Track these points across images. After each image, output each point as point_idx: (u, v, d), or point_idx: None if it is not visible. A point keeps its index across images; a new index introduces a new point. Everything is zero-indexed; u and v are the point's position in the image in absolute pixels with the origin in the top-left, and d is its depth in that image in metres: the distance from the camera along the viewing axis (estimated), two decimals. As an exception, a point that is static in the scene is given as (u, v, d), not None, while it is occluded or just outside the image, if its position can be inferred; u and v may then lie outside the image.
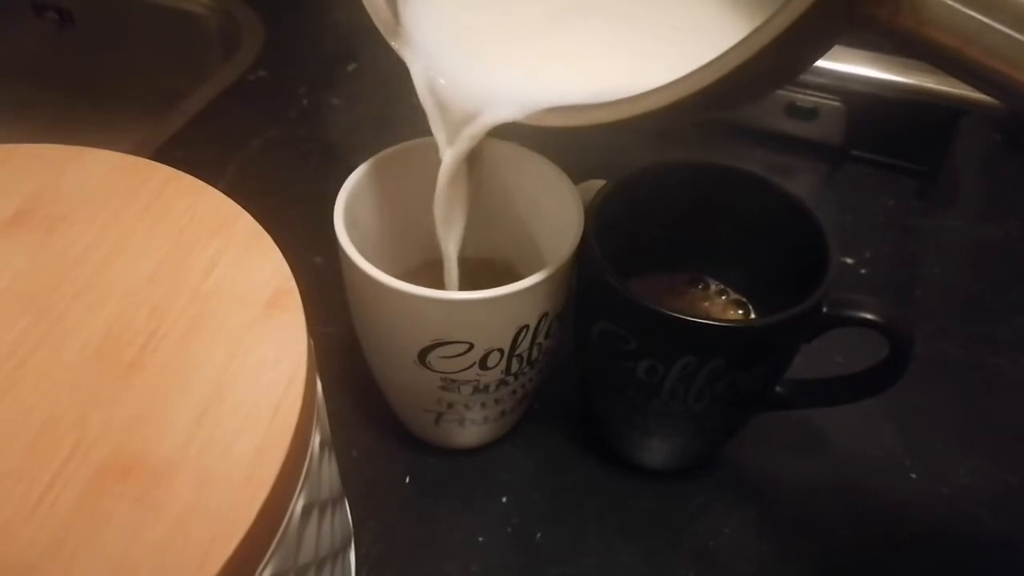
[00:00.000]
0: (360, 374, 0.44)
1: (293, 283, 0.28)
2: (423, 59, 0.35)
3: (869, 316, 0.36)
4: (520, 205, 0.43)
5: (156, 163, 0.32)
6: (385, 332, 0.38)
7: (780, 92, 0.63)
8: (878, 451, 0.46)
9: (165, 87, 0.77)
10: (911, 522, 0.43)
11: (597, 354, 0.39)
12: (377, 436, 0.45)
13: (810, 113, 0.62)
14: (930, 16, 0.25)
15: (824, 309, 0.36)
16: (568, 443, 0.45)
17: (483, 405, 0.40)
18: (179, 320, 0.27)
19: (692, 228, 0.43)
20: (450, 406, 0.40)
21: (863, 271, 0.56)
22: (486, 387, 0.39)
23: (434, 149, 0.39)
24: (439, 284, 0.43)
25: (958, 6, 0.24)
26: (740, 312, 0.43)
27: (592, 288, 0.38)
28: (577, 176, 0.40)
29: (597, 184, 0.40)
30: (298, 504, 0.25)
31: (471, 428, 0.42)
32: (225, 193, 0.31)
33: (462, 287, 0.41)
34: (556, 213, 0.40)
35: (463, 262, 0.41)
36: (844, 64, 0.59)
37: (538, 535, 0.41)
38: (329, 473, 0.31)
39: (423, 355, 0.37)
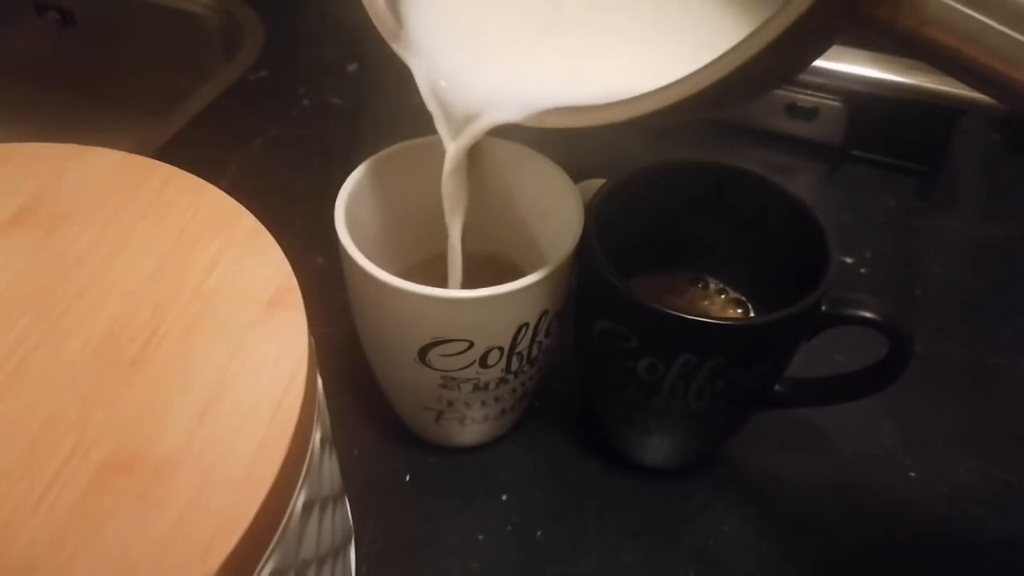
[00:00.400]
0: (361, 373, 0.44)
1: (294, 281, 0.28)
2: (425, 62, 0.36)
3: (868, 315, 0.36)
4: (521, 204, 0.43)
5: (157, 162, 0.32)
6: (385, 330, 0.38)
7: (780, 92, 0.63)
8: (878, 450, 0.46)
9: (166, 87, 0.77)
10: (911, 521, 0.43)
11: (597, 352, 0.39)
12: (378, 435, 0.45)
13: (810, 113, 0.62)
14: (930, 16, 0.25)
15: (823, 308, 0.36)
16: (568, 441, 0.45)
17: (483, 403, 0.40)
18: (180, 319, 0.27)
19: (692, 227, 0.43)
20: (450, 404, 0.40)
21: (863, 271, 0.56)
22: (486, 385, 0.39)
23: (434, 148, 0.40)
24: (439, 281, 0.43)
25: (958, 5, 0.24)
26: (739, 311, 0.44)
27: (592, 286, 0.38)
28: (577, 175, 0.41)
29: (597, 183, 0.40)
30: (299, 501, 0.25)
31: (471, 426, 0.42)
32: (226, 193, 0.31)
33: (465, 281, 0.41)
34: (557, 212, 0.40)
35: (465, 257, 0.41)
36: (844, 64, 0.59)
37: (538, 533, 0.41)
38: (330, 470, 0.31)
39: (423, 353, 0.37)
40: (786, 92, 0.62)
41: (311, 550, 0.27)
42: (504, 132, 0.38)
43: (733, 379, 0.36)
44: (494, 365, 0.38)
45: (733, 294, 0.44)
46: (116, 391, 0.25)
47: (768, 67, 0.28)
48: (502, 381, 0.39)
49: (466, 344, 0.36)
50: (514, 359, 0.38)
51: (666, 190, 0.41)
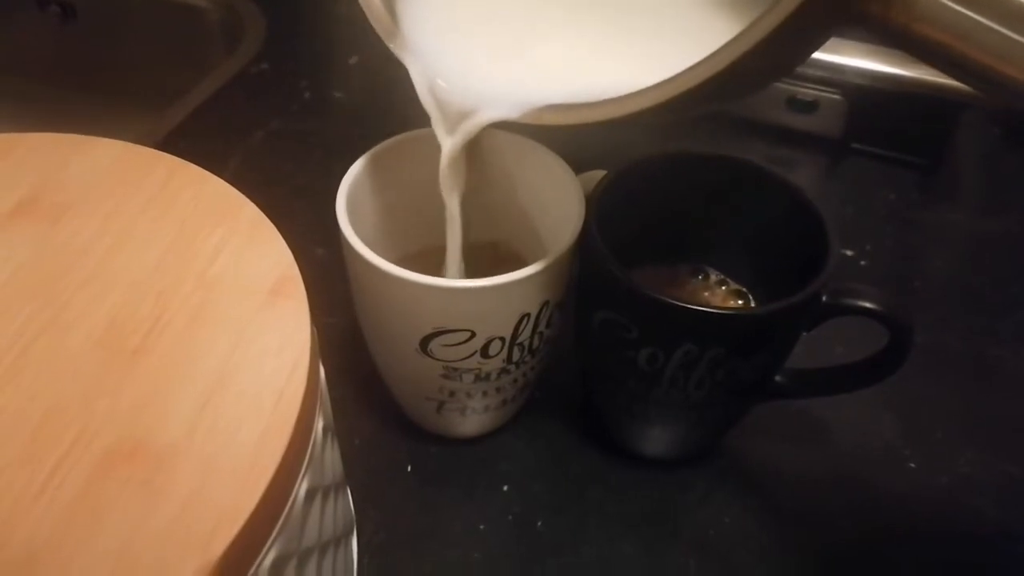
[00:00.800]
0: (362, 364, 0.44)
1: (296, 271, 0.28)
2: (421, 60, 0.36)
3: (869, 305, 0.36)
4: (523, 195, 0.43)
5: (160, 152, 0.32)
6: (387, 320, 0.38)
7: (781, 85, 0.63)
8: (878, 441, 0.46)
9: (167, 80, 0.77)
10: (911, 512, 0.44)
11: (598, 343, 0.39)
12: (379, 425, 0.45)
13: (811, 106, 0.63)
14: (920, 12, 0.25)
15: (824, 298, 0.36)
16: (569, 432, 0.45)
17: (484, 394, 0.40)
18: (183, 308, 0.27)
19: (693, 218, 0.43)
20: (452, 394, 0.40)
21: (863, 263, 0.56)
22: (487, 375, 0.39)
23: (434, 140, 0.40)
24: (440, 270, 0.43)
25: (948, 2, 0.24)
26: (740, 302, 0.44)
27: (593, 277, 0.38)
28: (579, 167, 0.41)
29: (598, 175, 0.40)
30: (301, 489, 0.25)
31: (472, 417, 0.42)
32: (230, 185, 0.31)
33: (467, 270, 0.41)
34: (558, 203, 0.40)
35: (468, 246, 0.41)
36: (844, 57, 0.60)
37: (539, 524, 0.42)
38: (332, 459, 0.31)
39: (425, 343, 0.37)
40: (786, 85, 0.63)
41: (313, 539, 0.28)
42: (506, 124, 0.39)
43: (733, 369, 0.37)
44: (495, 355, 0.38)
45: (734, 285, 0.44)
46: (119, 380, 0.25)
47: (762, 63, 0.28)
48: (503, 372, 0.39)
49: (467, 334, 0.36)
50: (515, 349, 0.38)
51: (667, 181, 0.41)
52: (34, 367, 0.25)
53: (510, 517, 0.42)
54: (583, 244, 0.37)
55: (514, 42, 0.37)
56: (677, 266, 0.45)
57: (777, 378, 0.41)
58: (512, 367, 0.39)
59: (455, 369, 0.38)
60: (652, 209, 0.41)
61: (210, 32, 0.78)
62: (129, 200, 0.30)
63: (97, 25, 0.82)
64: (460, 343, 0.37)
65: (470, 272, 0.42)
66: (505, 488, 0.43)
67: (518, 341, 0.38)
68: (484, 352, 0.37)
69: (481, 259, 0.44)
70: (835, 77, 0.61)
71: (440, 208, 0.41)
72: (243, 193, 0.31)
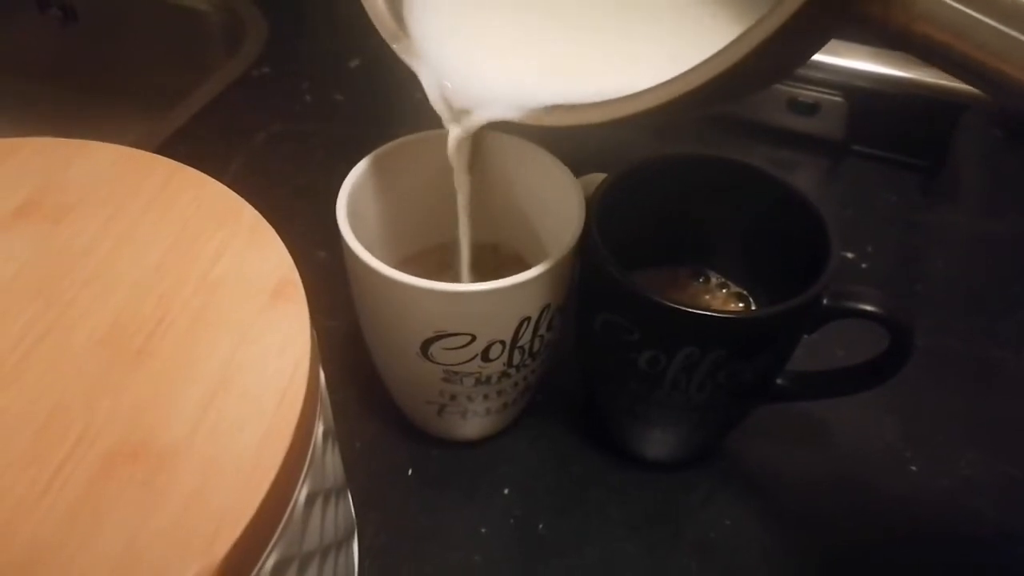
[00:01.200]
0: (363, 367, 0.44)
1: (296, 274, 0.28)
2: (428, 63, 0.36)
3: (870, 307, 0.36)
4: (523, 197, 0.43)
5: (161, 156, 0.33)
6: (388, 324, 0.38)
7: (781, 87, 0.63)
8: (879, 444, 0.46)
9: (169, 83, 0.78)
10: (912, 514, 0.44)
11: (600, 345, 0.39)
12: (380, 428, 0.45)
13: (812, 108, 0.62)
14: (920, 12, 0.25)
15: (825, 301, 0.36)
16: (570, 435, 0.45)
17: (485, 397, 0.40)
18: (185, 309, 0.27)
19: (693, 221, 0.43)
20: (452, 398, 0.40)
21: (864, 265, 0.56)
22: (488, 379, 0.39)
23: (434, 143, 0.40)
24: (438, 270, 0.44)
25: (947, 1, 0.24)
26: (741, 305, 0.44)
27: (594, 280, 0.38)
28: (579, 169, 0.41)
29: (599, 177, 0.40)
30: (302, 492, 0.25)
31: (473, 420, 0.42)
32: (230, 187, 0.31)
33: (468, 274, 0.42)
34: (558, 206, 0.40)
35: (472, 247, 0.41)
36: (846, 59, 0.59)
37: (540, 526, 0.42)
38: (333, 463, 0.31)
39: (425, 347, 0.37)
40: (787, 87, 0.63)
41: (314, 542, 0.28)
42: (507, 127, 0.39)
43: (735, 372, 0.37)
44: (496, 359, 0.38)
45: (735, 288, 0.44)
46: (121, 380, 0.25)
47: (763, 65, 0.28)
48: (504, 375, 0.39)
49: (468, 338, 0.36)
50: (516, 353, 0.38)
51: (668, 184, 0.41)
52: (37, 368, 0.25)
53: (511, 520, 0.42)
54: (584, 247, 0.37)
55: (516, 44, 0.37)
56: (678, 269, 0.45)
57: (778, 380, 0.41)
58: (513, 370, 0.39)
59: (456, 373, 0.38)
60: (653, 211, 0.41)
61: (212, 35, 0.78)
62: (130, 203, 0.30)
63: (98, 27, 0.82)
64: (461, 347, 0.37)
65: (472, 274, 0.42)
66: (506, 491, 0.43)
67: (519, 344, 0.38)
68: (485, 356, 0.37)
69: (482, 261, 0.44)
70: (836, 79, 0.60)
71: (440, 208, 0.41)
72: (245, 196, 0.31)
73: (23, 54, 0.86)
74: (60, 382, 0.25)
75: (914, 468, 0.45)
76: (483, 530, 0.41)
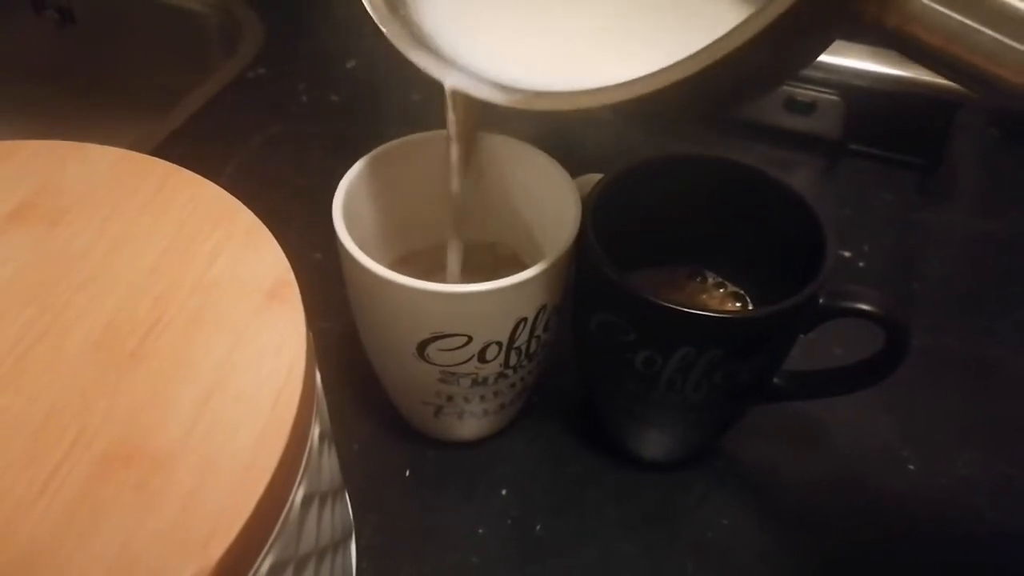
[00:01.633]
0: (360, 368, 0.44)
1: (292, 275, 0.28)
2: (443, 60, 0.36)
3: (865, 306, 0.36)
4: (520, 198, 0.43)
5: (156, 159, 0.33)
6: (384, 325, 0.38)
7: (778, 87, 0.63)
8: (877, 443, 0.46)
9: (165, 85, 0.78)
10: (910, 514, 0.44)
11: (596, 346, 0.39)
12: (377, 429, 0.45)
13: (808, 107, 0.62)
14: (915, 14, 0.25)
15: (821, 300, 0.36)
16: (567, 435, 0.45)
17: (482, 398, 0.40)
18: (180, 311, 0.27)
19: (690, 221, 0.43)
20: (449, 399, 0.40)
21: (861, 264, 0.56)
22: (485, 380, 0.39)
23: (430, 144, 0.40)
24: (433, 270, 0.44)
25: (941, 7, 0.25)
26: (738, 304, 0.44)
27: (591, 280, 0.38)
28: (575, 170, 0.41)
29: (595, 178, 0.40)
30: (298, 494, 0.25)
31: (470, 421, 0.42)
32: (226, 189, 0.32)
33: (465, 272, 0.42)
34: (555, 206, 0.40)
35: (466, 247, 0.41)
36: (842, 58, 0.60)
37: (538, 527, 0.42)
38: (329, 464, 0.31)
39: (422, 348, 0.37)
40: (784, 86, 0.63)
41: (311, 544, 0.28)
42: (503, 127, 0.39)
43: (731, 372, 0.37)
44: (493, 360, 0.38)
45: (731, 288, 0.44)
46: (117, 383, 0.25)
47: (760, 61, 0.28)
48: (501, 376, 0.39)
49: (464, 339, 0.36)
50: (512, 354, 0.38)
51: (664, 184, 0.41)
52: (33, 370, 0.25)
53: (509, 520, 0.42)
54: (580, 247, 0.37)
55: (509, 27, 0.36)
56: (675, 269, 0.45)
57: (775, 380, 0.41)
58: (510, 371, 0.39)
59: (452, 374, 0.38)
60: (649, 212, 0.41)
61: (208, 36, 0.78)
62: (125, 205, 0.30)
63: (95, 29, 0.82)
64: (457, 348, 0.37)
65: (468, 274, 0.42)
66: (504, 491, 0.43)
67: (515, 345, 0.38)
68: (481, 357, 0.37)
69: (479, 261, 0.44)
70: (833, 78, 0.61)
71: (436, 210, 0.42)
72: (241, 197, 0.31)
73: (20, 56, 0.86)
74: (56, 384, 0.25)
75: (912, 467, 0.45)
76: (480, 531, 0.41)
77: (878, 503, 0.44)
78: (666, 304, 0.34)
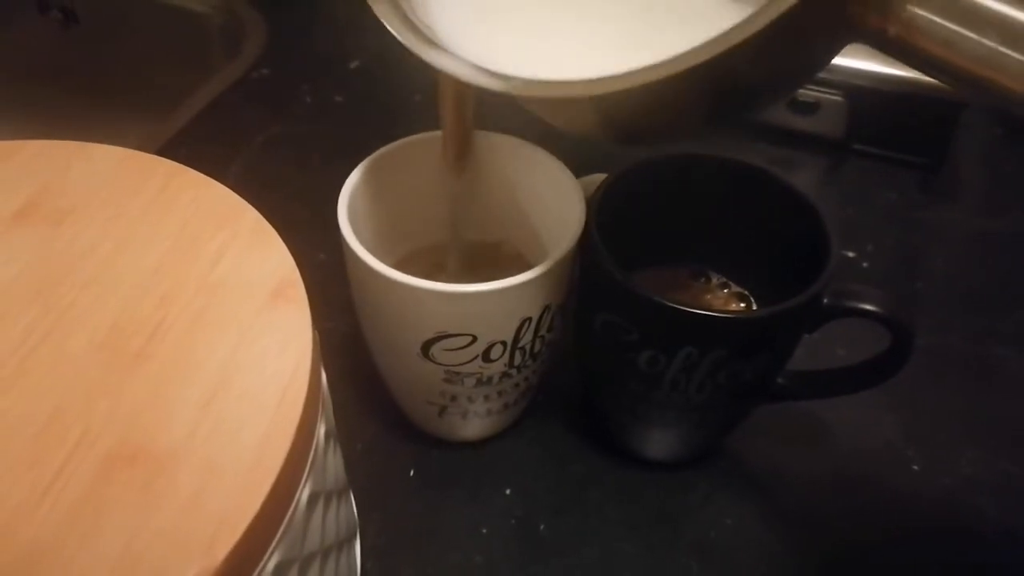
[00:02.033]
0: (364, 368, 0.44)
1: (297, 274, 0.28)
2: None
3: (870, 307, 0.36)
4: (524, 197, 0.43)
5: (160, 158, 0.33)
6: (389, 324, 0.38)
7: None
8: (880, 443, 0.46)
9: (169, 85, 0.77)
10: (913, 513, 0.44)
11: (599, 345, 0.39)
12: (381, 429, 0.45)
13: (812, 107, 0.62)
14: (919, 26, 0.25)
15: (825, 300, 0.36)
16: (571, 435, 0.45)
17: (486, 398, 0.40)
18: (185, 311, 0.27)
19: (694, 221, 0.43)
20: (453, 399, 0.40)
21: (865, 264, 0.56)
22: (489, 379, 0.39)
23: (433, 144, 0.40)
24: (436, 268, 0.44)
25: (945, 22, 0.25)
26: (742, 305, 0.44)
27: (594, 280, 0.38)
28: (579, 170, 0.41)
29: (599, 178, 0.40)
30: (304, 492, 0.25)
31: (474, 421, 0.42)
32: (230, 189, 0.32)
33: (470, 271, 0.41)
34: (559, 206, 0.40)
35: (472, 246, 0.41)
36: (845, 58, 0.59)
37: (541, 526, 0.42)
38: (334, 465, 0.31)
39: (426, 348, 0.37)
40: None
41: (316, 544, 0.28)
42: (508, 127, 0.39)
43: (734, 372, 0.37)
44: (497, 360, 0.38)
45: (735, 288, 0.44)
46: (121, 383, 0.25)
47: (762, 70, 0.28)
48: (505, 375, 0.39)
49: (469, 339, 0.36)
50: (517, 354, 0.38)
51: (668, 184, 0.41)
52: (37, 370, 0.25)
53: (512, 520, 0.42)
54: (584, 247, 0.37)
55: (515, 19, 0.36)
56: (678, 269, 0.45)
57: (779, 380, 0.41)
58: (514, 371, 0.39)
59: (457, 373, 0.38)
60: (653, 212, 0.42)
61: (212, 37, 0.78)
62: (130, 204, 0.31)
63: (98, 30, 0.82)
64: (462, 347, 0.37)
65: (472, 274, 0.42)
66: (507, 491, 0.43)
67: (519, 345, 0.38)
68: (486, 356, 0.37)
69: (483, 260, 0.44)
70: (836, 78, 0.60)
71: (439, 210, 0.42)
72: (245, 198, 0.31)
73: (24, 56, 0.86)
74: (60, 385, 0.25)
75: (915, 467, 0.45)
76: (484, 530, 0.42)
77: (882, 503, 0.44)
78: (670, 304, 0.34)
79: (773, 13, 0.25)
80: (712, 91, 0.31)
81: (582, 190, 0.39)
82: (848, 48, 0.60)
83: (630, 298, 0.36)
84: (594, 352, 0.41)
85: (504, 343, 0.37)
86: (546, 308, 0.37)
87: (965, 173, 0.64)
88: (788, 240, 0.40)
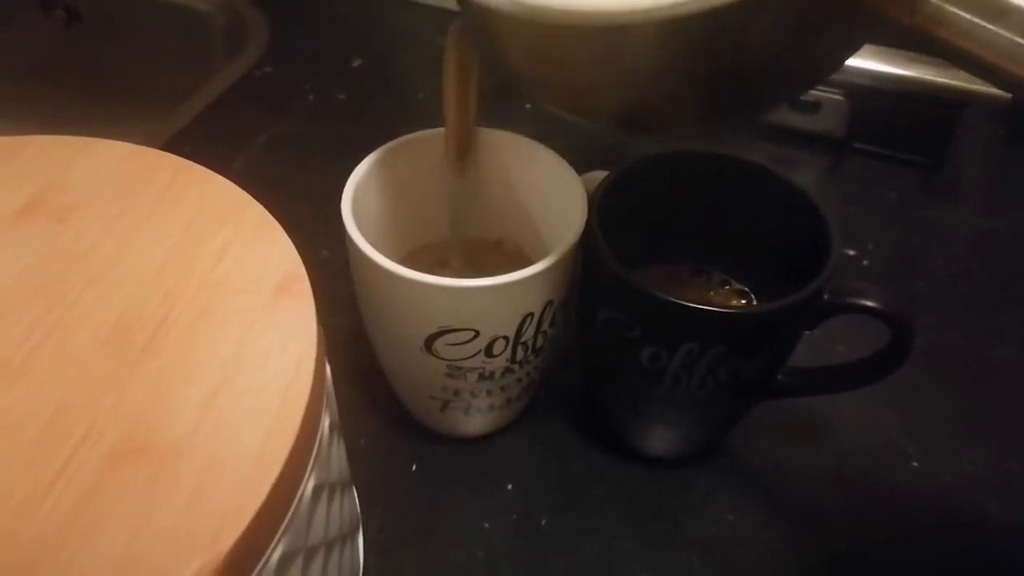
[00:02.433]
0: (366, 364, 0.44)
1: (302, 269, 0.28)
2: None
3: (870, 303, 0.37)
4: (527, 194, 0.44)
5: (166, 153, 0.33)
6: (392, 319, 0.38)
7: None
8: (881, 440, 0.46)
9: (172, 84, 0.78)
10: (914, 510, 0.44)
11: (601, 341, 0.39)
12: (384, 425, 0.45)
13: (813, 106, 0.63)
14: (934, 14, 0.26)
15: (825, 296, 0.36)
16: (572, 431, 0.46)
17: (488, 393, 0.40)
18: (190, 306, 0.27)
19: (695, 218, 0.43)
20: (456, 393, 0.40)
21: (865, 263, 0.56)
22: (491, 374, 0.39)
23: (436, 142, 0.41)
24: (438, 265, 0.44)
25: (956, 9, 0.25)
26: (743, 302, 0.44)
27: (596, 276, 0.38)
28: (582, 167, 0.41)
29: (601, 175, 0.40)
30: (309, 485, 0.25)
31: (476, 416, 0.42)
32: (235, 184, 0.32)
33: (473, 268, 0.41)
34: (561, 202, 0.40)
35: (474, 243, 0.41)
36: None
37: (543, 522, 0.42)
38: (338, 457, 0.31)
39: (430, 342, 0.37)
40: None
41: (320, 536, 0.28)
42: (511, 125, 0.39)
43: (735, 368, 0.37)
44: (499, 355, 0.38)
45: (736, 285, 0.44)
46: (126, 378, 0.25)
47: (785, 59, 0.28)
48: (507, 371, 0.39)
49: (472, 333, 0.37)
50: (519, 349, 0.38)
51: (669, 181, 0.42)
52: (41, 367, 0.25)
53: (514, 516, 0.42)
54: (586, 244, 0.37)
55: None
56: (680, 266, 0.45)
57: (779, 377, 0.41)
58: (516, 366, 0.39)
59: (459, 368, 0.38)
60: (654, 209, 0.42)
61: (214, 36, 0.78)
62: (135, 200, 0.31)
63: (101, 29, 0.83)
64: (464, 342, 0.37)
65: (475, 270, 0.42)
66: (509, 487, 0.43)
67: (522, 340, 0.38)
68: (488, 351, 0.38)
69: (486, 257, 0.44)
70: (837, 77, 0.60)
71: (441, 207, 0.42)
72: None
73: (26, 55, 0.86)
74: (64, 381, 0.25)
75: (916, 464, 0.45)
76: (486, 525, 0.42)
77: (882, 500, 0.44)
78: (671, 299, 0.34)
79: None
80: (729, 71, 0.30)
81: (584, 187, 0.39)
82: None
83: (632, 294, 0.36)
84: (596, 348, 0.41)
85: (506, 338, 0.37)
86: (548, 304, 0.38)
87: (965, 172, 0.64)
88: (789, 238, 0.40)
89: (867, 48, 0.59)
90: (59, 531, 0.21)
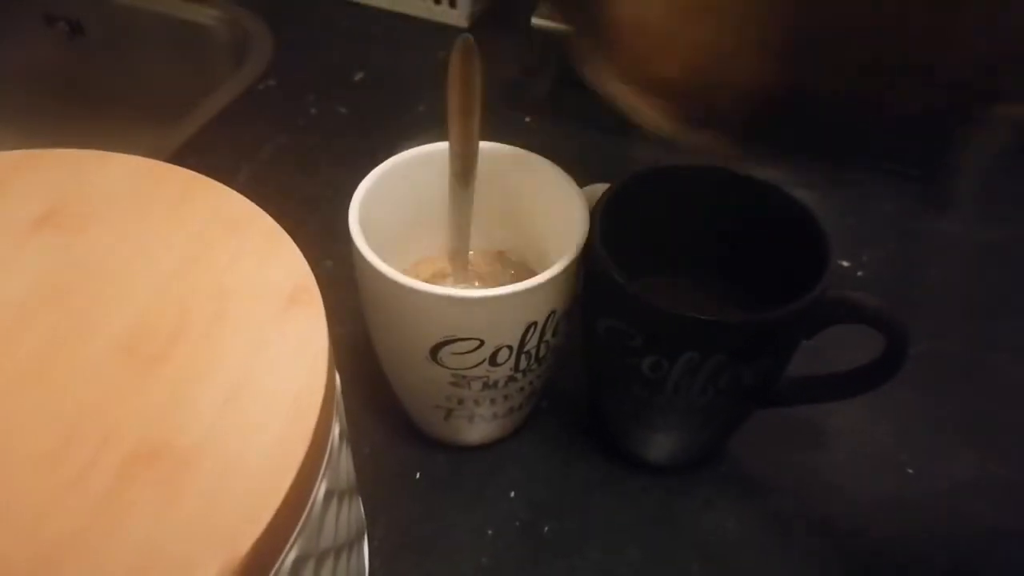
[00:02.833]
0: (371, 373, 0.45)
1: (312, 279, 0.29)
2: None
3: (865, 311, 0.37)
4: (529, 206, 0.44)
5: (177, 167, 0.33)
6: (398, 329, 0.39)
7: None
8: (877, 447, 0.47)
9: (176, 97, 0.78)
10: (909, 517, 0.44)
11: (603, 350, 0.40)
12: (389, 433, 0.46)
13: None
14: None
15: (822, 306, 0.37)
16: (574, 439, 0.46)
17: (492, 401, 0.41)
18: (202, 315, 0.28)
19: (695, 230, 0.43)
20: (460, 402, 0.41)
21: (861, 274, 0.56)
22: (495, 383, 0.40)
23: (438, 156, 0.41)
24: (440, 276, 0.44)
25: None
26: (742, 311, 0.44)
27: (598, 287, 0.39)
28: (583, 180, 0.42)
29: (602, 187, 0.41)
30: (321, 489, 0.26)
31: (480, 424, 0.43)
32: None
33: (476, 279, 0.42)
34: (563, 214, 0.41)
35: (478, 254, 0.41)
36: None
37: (545, 529, 0.42)
38: (346, 464, 0.31)
39: (435, 352, 0.38)
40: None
41: (330, 540, 0.28)
42: (513, 139, 0.39)
43: (735, 376, 0.37)
44: (503, 364, 0.39)
45: (735, 295, 0.45)
46: (141, 385, 0.25)
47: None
48: (511, 379, 0.40)
49: (476, 343, 0.37)
50: (523, 358, 0.39)
51: (669, 193, 0.42)
52: (61, 372, 0.26)
53: (517, 523, 0.43)
54: (588, 255, 0.38)
55: None
56: (680, 276, 0.46)
57: (778, 385, 0.42)
58: (519, 375, 0.40)
59: (464, 377, 0.39)
60: (655, 220, 0.42)
61: (218, 48, 0.79)
62: (147, 212, 0.31)
63: (105, 42, 0.83)
64: (469, 351, 0.37)
65: (479, 281, 0.43)
66: (512, 494, 0.44)
67: (525, 349, 0.39)
68: (492, 360, 0.38)
69: (489, 268, 0.45)
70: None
71: (444, 219, 0.42)
72: (252, 206, 0.32)
73: (30, 68, 0.86)
74: (81, 388, 0.25)
75: (911, 471, 0.46)
76: (489, 532, 0.42)
77: (878, 506, 0.44)
78: (672, 310, 0.35)
79: None
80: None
81: (586, 199, 0.40)
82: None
83: (633, 305, 0.36)
84: (598, 357, 0.41)
85: (510, 347, 0.38)
86: (551, 313, 0.38)
87: (963, 184, 0.65)
88: (787, 249, 0.40)
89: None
90: (77, 534, 0.22)
